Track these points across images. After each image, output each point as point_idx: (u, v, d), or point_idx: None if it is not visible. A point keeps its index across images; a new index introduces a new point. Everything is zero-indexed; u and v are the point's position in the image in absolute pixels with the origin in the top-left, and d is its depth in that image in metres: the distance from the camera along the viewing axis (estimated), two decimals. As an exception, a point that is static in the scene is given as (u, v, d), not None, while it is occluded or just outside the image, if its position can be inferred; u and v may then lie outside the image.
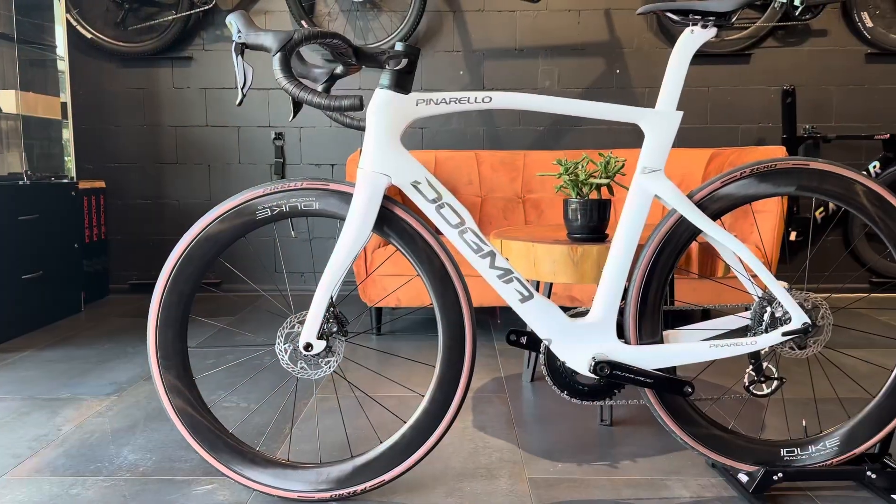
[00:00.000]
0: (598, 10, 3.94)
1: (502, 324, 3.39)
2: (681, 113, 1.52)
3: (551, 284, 2.43)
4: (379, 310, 3.15)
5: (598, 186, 1.96)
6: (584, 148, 3.91)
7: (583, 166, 1.97)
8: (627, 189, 1.85)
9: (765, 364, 1.59)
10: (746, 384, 1.60)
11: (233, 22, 1.34)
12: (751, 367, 1.59)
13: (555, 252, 1.90)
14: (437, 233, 1.56)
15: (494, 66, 4.00)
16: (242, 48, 1.34)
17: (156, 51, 3.95)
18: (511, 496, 1.63)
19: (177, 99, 4.05)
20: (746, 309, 1.60)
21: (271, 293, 3.97)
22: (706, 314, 3.01)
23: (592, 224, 1.96)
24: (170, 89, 4.05)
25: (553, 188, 3.55)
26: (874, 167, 3.81)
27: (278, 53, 1.31)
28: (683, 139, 3.99)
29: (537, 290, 2.41)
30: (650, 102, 3.97)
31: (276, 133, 4.04)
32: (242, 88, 1.33)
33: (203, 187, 4.11)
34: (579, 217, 1.96)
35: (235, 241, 1.55)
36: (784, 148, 3.05)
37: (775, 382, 1.60)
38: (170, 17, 3.90)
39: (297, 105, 1.50)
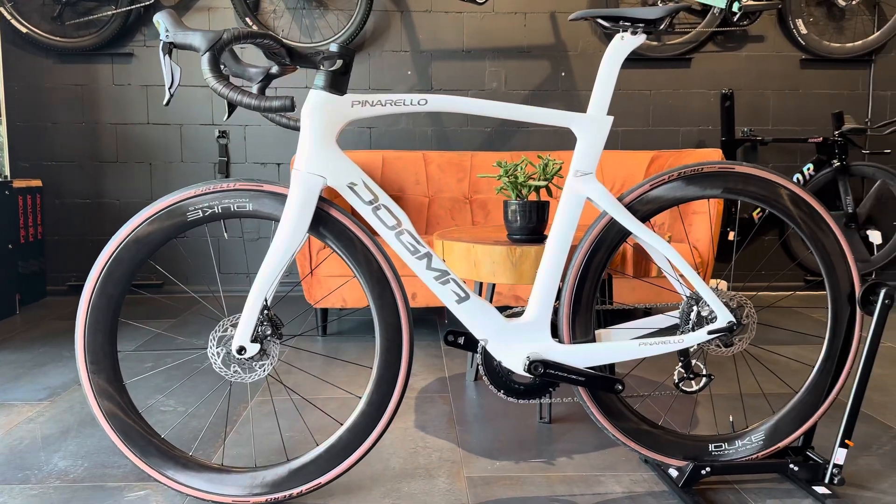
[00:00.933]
0: (544, 13, 3.98)
1: (449, 323, 3.40)
2: (611, 118, 1.55)
3: (494, 285, 2.45)
4: (324, 310, 3.14)
5: (537, 188, 1.99)
6: (531, 149, 3.96)
7: (522, 168, 2.00)
8: (561, 189, 1.88)
9: (693, 361, 1.64)
10: (676, 381, 1.65)
11: (160, 21, 1.32)
12: (680, 364, 1.64)
13: (494, 253, 1.92)
14: (374, 234, 1.56)
15: (442, 67, 4.01)
16: (170, 48, 1.32)
17: (95, 46, 3.85)
18: (448, 495, 1.64)
19: (117, 96, 3.96)
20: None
21: (209, 295, 3.91)
22: (648, 313, 3.08)
23: (531, 225, 1.98)
24: (110, 86, 3.95)
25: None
26: (808, 169, 3.94)
27: (207, 53, 1.30)
28: (627, 142, 4.07)
29: (481, 290, 2.43)
30: (595, 105, 4.03)
31: (220, 131, 3.98)
32: (170, 88, 1.31)
33: (144, 186, 4.02)
34: (518, 218, 1.99)
35: (166, 243, 1.52)
36: (721, 151, 3.14)
37: (704, 379, 1.65)
38: (109, 13, 3.81)
39: (232, 104, 1.48)
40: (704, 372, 1.65)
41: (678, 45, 3.99)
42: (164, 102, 1.33)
